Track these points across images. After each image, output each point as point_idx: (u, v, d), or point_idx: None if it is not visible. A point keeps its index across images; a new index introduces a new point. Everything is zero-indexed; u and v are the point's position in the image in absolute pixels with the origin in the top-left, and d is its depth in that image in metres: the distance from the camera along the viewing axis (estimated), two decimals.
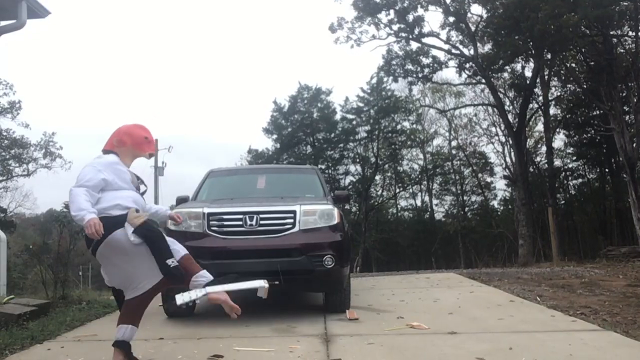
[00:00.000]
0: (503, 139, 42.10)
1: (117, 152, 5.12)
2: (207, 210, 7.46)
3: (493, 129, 43.62)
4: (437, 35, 32.21)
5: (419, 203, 53.31)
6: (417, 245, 47.62)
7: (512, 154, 35.82)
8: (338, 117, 44.71)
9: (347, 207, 40.50)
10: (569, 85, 33.19)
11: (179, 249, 4.92)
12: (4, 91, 38.90)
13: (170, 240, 4.90)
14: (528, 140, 38.23)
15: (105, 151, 5.15)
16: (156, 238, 4.73)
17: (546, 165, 36.89)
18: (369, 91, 43.99)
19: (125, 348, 4.88)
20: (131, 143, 5.14)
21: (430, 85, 42.14)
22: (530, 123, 38.64)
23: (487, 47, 31.15)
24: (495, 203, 49.87)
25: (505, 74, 33.77)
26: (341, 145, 44.73)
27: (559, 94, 35.55)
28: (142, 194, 5.26)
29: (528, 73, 32.42)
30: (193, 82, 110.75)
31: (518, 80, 33.04)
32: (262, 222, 7.28)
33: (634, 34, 26.53)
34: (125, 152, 5.15)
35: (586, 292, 9.41)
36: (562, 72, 31.96)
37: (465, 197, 50.10)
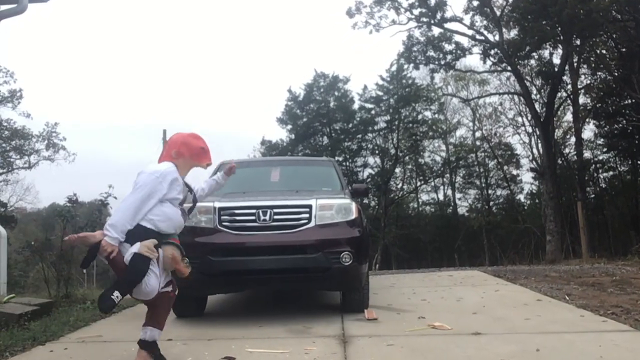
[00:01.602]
0: (530, 129, 42.14)
1: (175, 163, 5.26)
2: (218, 204, 7.42)
3: (519, 119, 43.63)
4: (460, 20, 32.13)
5: (441, 197, 53.38)
6: (439, 242, 47.59)
7: (540, 145, 35.75)
8: (356, 106, 44.78)
9: (365, 201, 40.56)
10: (599, 73, 32.92)
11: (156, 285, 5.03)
12: (4, 79, 39.11)
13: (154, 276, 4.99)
14: (556, 130, 38.10)
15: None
16: (136, 272, 4.82)
17: (575, 157, 36.70)
18: (388, 79, 43.96)
19: (148, 348, 5.09)
20: (189, 154, 5.32)
21: (453, 73, 42.01)
22: (559, 113, 38.50)
23: (513, 32, 31.10)
24: (521, 197, 49.87)
25: (532, 61, 33.65)
26: (359, 136, 44.75)
27: (588, 82, 35.23)
28: (189, 210, 5.53)
29: (556, 60, 32.27)
30: (202, 70, 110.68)
31: (545, 67, 32.82)
32: (276, 217, 7.22)
33: None
34: (183, 164, 5.32)
35: (617, 291, 9.35)
36: (592, 59, 31.73)
37: (490, 191, 49.99)
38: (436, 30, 32.89)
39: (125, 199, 4.97)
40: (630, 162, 40.06)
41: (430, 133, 46.32)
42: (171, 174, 5.11)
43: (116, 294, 4.70)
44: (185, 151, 5.27)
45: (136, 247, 4.81)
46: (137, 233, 4.88)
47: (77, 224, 9.95)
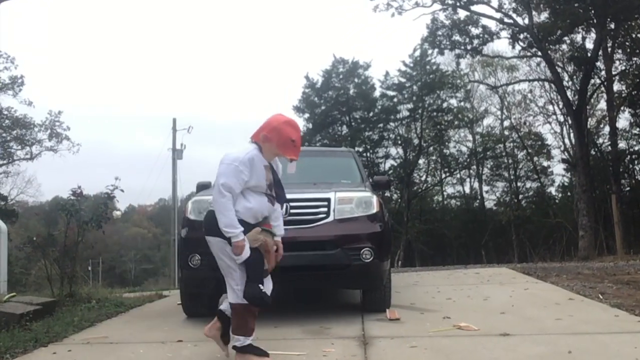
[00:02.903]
0: (561, 118, 41.93)
1: (261, 146, 5.21)
2: None
3: (550, 108, 43.44)
4: (487, 3, 31.91)
5: (467, 190, 53.27)
6: (465, 237, 47.50)
7: (572, 135, 35.57)
8: (377, 93, 44.78)
9: (387, 194, 40.50)
10: (635, 59, 32.75)
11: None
12: (4, 65, 39.03)
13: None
14: (589, 119, 37.87)
15: (253, 141, 5.28)
16: (254, 265, 5.05)
17: (609, 148, 36.52)
18: (411, 65, 43.88)
19: (248, 350, 5.17)
20: (276, 142, 5.17)
21: (480, 59, 41.89)
22: (592, 100, 38.19)
23: (544, 15, 30.91)
24: (552, 190, 49.60)
25: (564, 46, 33.44)
26: (381, 125, 44.73)
27: (623, 68, 34.98)
28: (275, 197, 5.40)
29: (589, 45, 31.99)
30: (214, 58, 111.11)
31: (578, 52, 32.62)
32: (292, 211, 7.17)
33: None
34: (268, 149, 5.22)
35: None
36: (627, 43, 31.58)
37: (519, 183, 49.77)
38: (462, 13, 32.74)
39: (213, 199, 5.06)
40: None
41: (456, 122, 46.25)
42: (251, 159, 5.08)
43: (260, 286, 5.03)
44: (274, 138, 5.15)
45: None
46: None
47: (82, 218, 9.90)
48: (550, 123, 44.48)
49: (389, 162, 46.38)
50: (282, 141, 5.14)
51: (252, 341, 5.16)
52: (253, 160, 5.07)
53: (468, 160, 49.29)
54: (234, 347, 5.17)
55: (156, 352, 5.73)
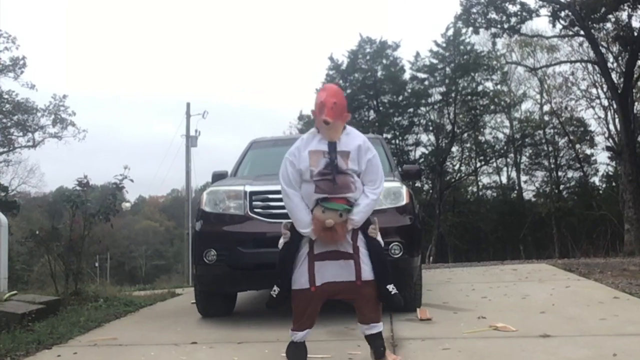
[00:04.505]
0: (606, 102, 41.63)
1: (317, 127, 5.14)
2: (249, 188, 7.42)
3: (593, 91, 43.15)
4: None
5: (504, 180, 53.13)
6: (501, 231, 47.37)
7: (617, 120, 35.33)
8: (407, 76, 44.61)
9: (417, 184, 40.45)
10: None
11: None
12: (5, 45, 38.83)
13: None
14: (636, 104, 37.59)
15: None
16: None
17: None
18: (444, 45, 43.69)
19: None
20: (315, 111, 5.05)
21: (517, 38, 41.60)
22: (639, 83, 37.96)
23: None
24: (596, 180, 49.40)
25: (608, 25, 33.11)
26: (411, 110, 44.60)
27: None
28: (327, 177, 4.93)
29: (635, 23, 31.73)
30: (230, 37, 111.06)
31: (623, 31, 32.31)
32: None
33: None
34: (317, 124, 5.11)
35: None
36: None
37: (560, 173, 49.60)
38: None
39: (285, 192, 5.07)
40: None
41: (492, 107, 45.91)
42: (297, 146, 5.08)
43: (275, 288, 5.05)
44: (315, 109, 5.04)
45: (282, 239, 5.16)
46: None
47: (88, 210, 9.87)
48: (593, 108, 44.24)
49: (420, 150, 46.38)
50: (316, 110, 5.02)
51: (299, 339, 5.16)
52: (299, 147, 5.06)
53: (505, 147, 49.12)
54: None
55: (168, 355, 5.75)
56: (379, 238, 5.09)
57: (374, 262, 4.99)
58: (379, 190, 5.09)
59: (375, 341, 5.13)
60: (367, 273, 4.96)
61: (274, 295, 5.10)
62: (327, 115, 4.88)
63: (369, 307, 5.11)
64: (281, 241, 5.11)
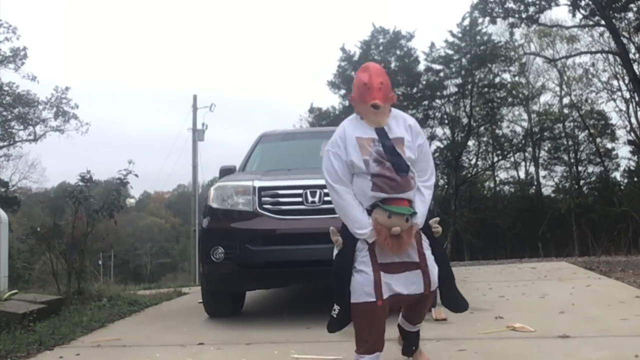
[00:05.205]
0: (627, 94, 41.49)
1: (357, 112, 4.83)
2: (258, 183, 7.40)
3: (615, 83, 43.06)
4: None
5: (522, 175, 53.05)
6: (520, 227, 47.26)
7: (639, 113, 35.20)
8: (421, 67, 44.46)
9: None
10: None
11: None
12: (5, 35, 38.95)
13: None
14: None
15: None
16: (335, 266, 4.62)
17: None
18: (460, 35, 43.54)
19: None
20: (357, 95, 4.72)
21: (536, 28, 41.65)
22: None
23: None
24: (617, 175, 49.14)
25: (630, 14, 33.12)
26: (425, 102, 44.51)
27: None
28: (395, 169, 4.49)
29: None
30: (237, 28, 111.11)
31: None
32: (326, 198, 6.94)
33: None
34: (359, 110, 4.78)
35: None
36: None
37: (580, 168, 49.39)
38: None
39: (333, 188, 4.68)
40: None
41: (510, 99, 45.78)
42: (341, 136, 4.66)
43: (335, 307, 4.55)
44: (355, 92, 4.73)
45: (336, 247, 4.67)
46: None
47: (92, 207, 9.85)
48: (614, 100, 44.16)
49: (435, 144, 46.14)
50: (358, 93, 4.69)
51: None
52: (342, 137, 4.64)
53: (523, 141, 49.01)
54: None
55: (174, 357, 5.76)
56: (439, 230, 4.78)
57: (440, 267, 4.64)
58: (430, 183, 4.76)
59: (412, 338, 5.07)
60: (435, 282, 4.59)
61: (334, 316, 4.60)
62: (376, 97, 4.58)
63: (424, 311, 4.96)
64: (335, 251, 4.64)
